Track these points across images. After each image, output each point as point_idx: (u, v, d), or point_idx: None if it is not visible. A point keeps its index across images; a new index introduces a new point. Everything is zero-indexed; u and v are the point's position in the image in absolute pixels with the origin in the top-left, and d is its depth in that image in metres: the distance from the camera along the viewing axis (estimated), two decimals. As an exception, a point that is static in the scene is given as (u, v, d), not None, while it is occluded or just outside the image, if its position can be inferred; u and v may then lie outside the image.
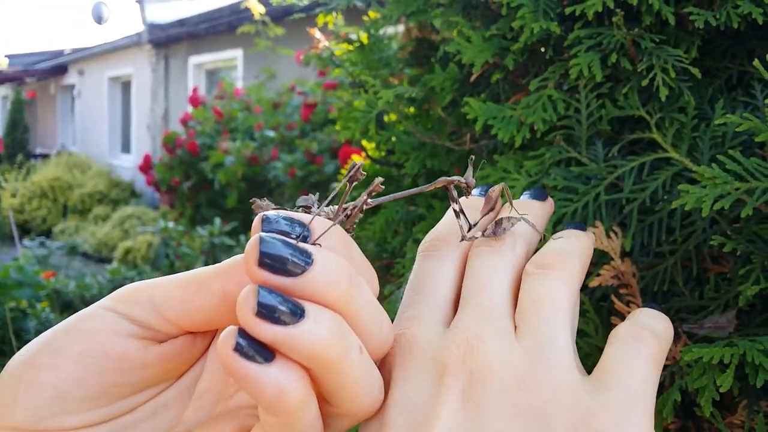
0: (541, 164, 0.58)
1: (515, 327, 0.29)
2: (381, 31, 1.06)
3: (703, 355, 0.38)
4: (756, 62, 0.43)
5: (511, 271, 0.32)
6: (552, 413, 0.26)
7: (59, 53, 12.83)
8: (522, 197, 0.38)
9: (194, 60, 8.54)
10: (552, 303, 0.30)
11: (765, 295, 0.48)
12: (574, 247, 0.33)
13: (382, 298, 0.93)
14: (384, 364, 0.30)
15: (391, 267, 0.95)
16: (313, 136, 4.07)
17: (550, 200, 0.38)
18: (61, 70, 12.58)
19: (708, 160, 0.52)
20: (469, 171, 0.35)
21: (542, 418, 0.26)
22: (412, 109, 0.92)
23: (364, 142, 1.23)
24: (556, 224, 0.55)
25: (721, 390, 0.38)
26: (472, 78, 0.64)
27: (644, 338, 0.30)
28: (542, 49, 0.62)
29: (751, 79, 0.58)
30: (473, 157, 0.37)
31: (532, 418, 0.26)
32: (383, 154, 1.12)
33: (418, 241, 0.88)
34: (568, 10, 0.57)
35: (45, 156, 10.96)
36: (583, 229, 0.36)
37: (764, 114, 0.44)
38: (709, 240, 0.51)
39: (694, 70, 0.52)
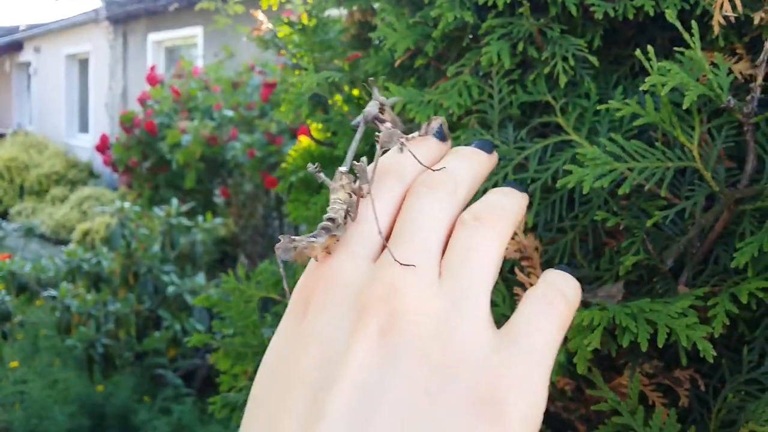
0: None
1: (440, 272, 0.29)
2: (325, 14, 1.08)
3: (575, 318, 0.42)
4: (638, 52, 0.47)
5: (446, 217, 0.31)
6: (459, 367, 0.27)
7: (14, 29, 12.48)
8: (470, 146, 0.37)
9: (153, 37, 8.40)
10: (481, 257, 0.30)
11: (650, 266, 0.53)
12: (511, 205, 0.33)
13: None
14: (303, 291, 0.30)
15: (329, 244, 0.98)
16: (273, 116, 4.05)
17: (495, 154, 0.37)
18: (16, 46, 12.25)
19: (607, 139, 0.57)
20: (375, 91, 0.35)
21: (449, 370, 0.27)
22: (356, 92, 0.95)
23: (309, 122, 1.25)
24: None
25: (589, 349, 0.42)
26: (396, 63, 0.67)
27: (557, 303, 0.30)
28: (460, 37, 0.66)
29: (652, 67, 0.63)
30: (372, 79, 0.38)
31: (439, 367, 0.27)
32: (329, 135, 1.15)
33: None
34: (481, 1, 0.60)
35: (0, 136, 10.71)
36: (522, 190, 0.35)
37: (646, 99, 0.48)
38: (601, 216, 0.55)
39: (593, 59, 0.56)
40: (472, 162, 0.35)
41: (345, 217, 0.29)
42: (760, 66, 0.46)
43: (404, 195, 0.33)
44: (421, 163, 0.33)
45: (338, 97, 0.97)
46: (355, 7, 1.04)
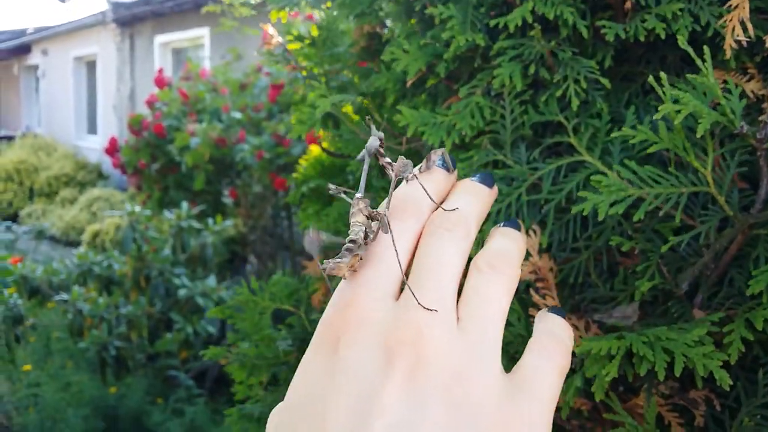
0: (469, 166, 0.62)
1: (458, 316, 0.31)
2: (334, 26, 1.09)
3: (593, 348, 0.43)
4: (650, 79, 0.47)
5: (462, 258, 0.33)
6: (479, 412, 0.29)
7: (22, 33, 12.53)
8: (470, 179, 0.39)
9: (160, 39, 8.42)
10: (496, 306, 0.32)
11: (664, 289, 0.53)
12: (517, 250, 0.35)
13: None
14: (330, 328, 0.31)
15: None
16: (281, 117, 4.06)
17: (495, 187, 0.39)
18: (24, 49, 12.31)
19: (620, 164, 0.57)
20: (373, 127, 0.37)
21: (470, 415, 0.29)
22: (366, 102, 0.95)
23: (320, 132, 1.26)
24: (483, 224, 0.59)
25: (607, 379, 0.42)
26: (408, 83, 0.68)
27: (556, 353, 0.33)
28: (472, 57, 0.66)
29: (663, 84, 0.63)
30: (368, 117, 0.40)
31: (462, 411, 0.29)
32: (339, 145, 1.16)
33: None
34: (492, 23, 0.60)
35: (9, 138, 10.76)
36: (519, 228, 0.37)
37: (658, 124, 0.49)
38: (616, 241, 0.55)
39: (604, 81, 0.57)
40: (479, 198, 0.37)
41: (365, 238, 0.31)
42: (772, 91, 0.47)
43: (421, 230, 0.35)
44: (433, 201, 0.35)
45: (349, 107, 0.97)
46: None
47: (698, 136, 0.44)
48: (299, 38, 1.00)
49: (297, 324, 1.03)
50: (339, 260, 0.30)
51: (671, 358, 0.42)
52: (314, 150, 1.29)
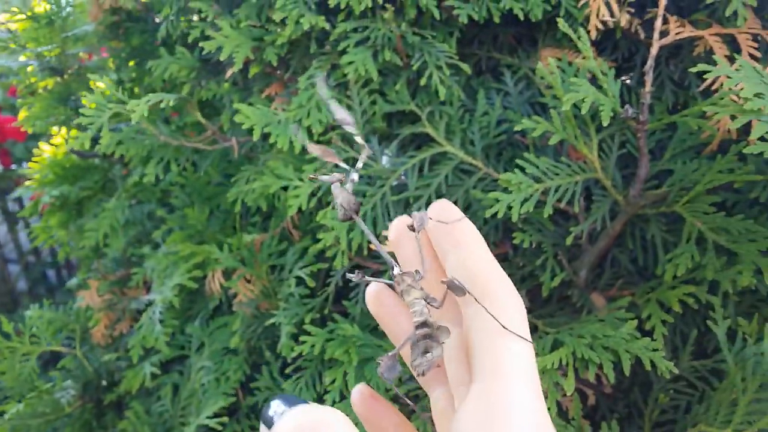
0: (318, 167, 0.55)
1: None
2: (63, 1, 0.91)
3: (546, 363, 0.40)
4: (539, 66, 0.44)
5: None
6: None
7: None
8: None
9: None
10: None
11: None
12: None
13: (130, 323, 0.82)
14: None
15: (128, 279, 0.84)
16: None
17: None
18: None
19: (481, 151, 0.54)
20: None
21: None
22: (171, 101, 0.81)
23: (54, 131, 1.07)
24: (350, 231, 0.52)
25: (569, 394, 0.40)
26: (228, 73, 0.57)
27: None
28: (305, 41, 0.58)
29: (497, 65, 0.61)
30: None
31: None
32: (88, 144, 0.97)
33: (158, 247, 0.79)
34: (333, 2, 0.53)
35: None
36: None
37: (552, 114, 0.47)
38: (520, 238, 0.53)
39: (465, 66, 0.53)
40: None
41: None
42: (648, 72, 0.47)
43: None
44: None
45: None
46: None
47: (604, 123, 0.43)
48: (34, 17, 0.81)
49: (74, 366, 0.86)
50: (429, 355, 0.24)
51: (615, 356, 0.41)
52: (49, 151, 1.07)
